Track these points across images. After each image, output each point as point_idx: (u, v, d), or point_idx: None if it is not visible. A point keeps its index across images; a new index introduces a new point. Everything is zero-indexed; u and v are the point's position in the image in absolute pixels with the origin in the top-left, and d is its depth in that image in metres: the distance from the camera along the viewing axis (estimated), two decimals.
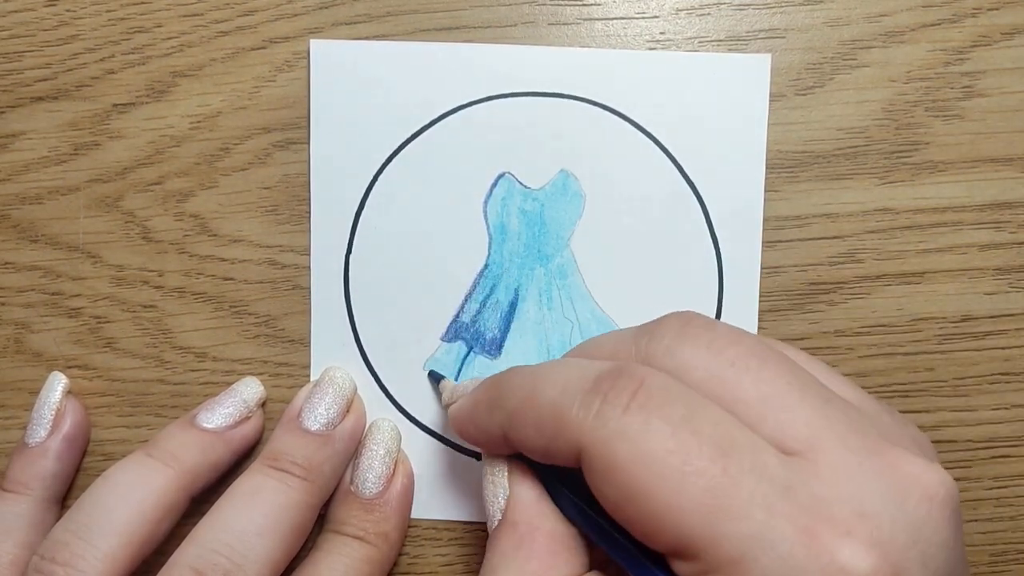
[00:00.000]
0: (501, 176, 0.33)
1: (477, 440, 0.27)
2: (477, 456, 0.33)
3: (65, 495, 0.33)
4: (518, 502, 0.26)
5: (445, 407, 0.30)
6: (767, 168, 0.32)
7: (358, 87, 0.33)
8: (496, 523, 0.26)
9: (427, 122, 0.33)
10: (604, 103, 0.32)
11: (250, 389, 0.33)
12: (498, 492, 0.26)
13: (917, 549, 0.20)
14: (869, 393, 0.25)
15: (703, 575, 0.21)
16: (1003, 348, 0.32)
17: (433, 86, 0.33)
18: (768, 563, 0.20)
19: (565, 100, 0.32)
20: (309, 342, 0.33)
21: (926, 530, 0.21)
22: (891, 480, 0.21)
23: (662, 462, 0.21)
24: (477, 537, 0.33)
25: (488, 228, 0.33)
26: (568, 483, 0.25)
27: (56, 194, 0.34)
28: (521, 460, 0.26)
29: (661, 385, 0.22)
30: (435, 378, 0.33)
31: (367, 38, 0.33)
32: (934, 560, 0.20)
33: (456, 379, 0.33)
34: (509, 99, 0.33)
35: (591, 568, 0.25)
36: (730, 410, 0.22)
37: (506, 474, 0.26)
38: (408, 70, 0.33)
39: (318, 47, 0.33)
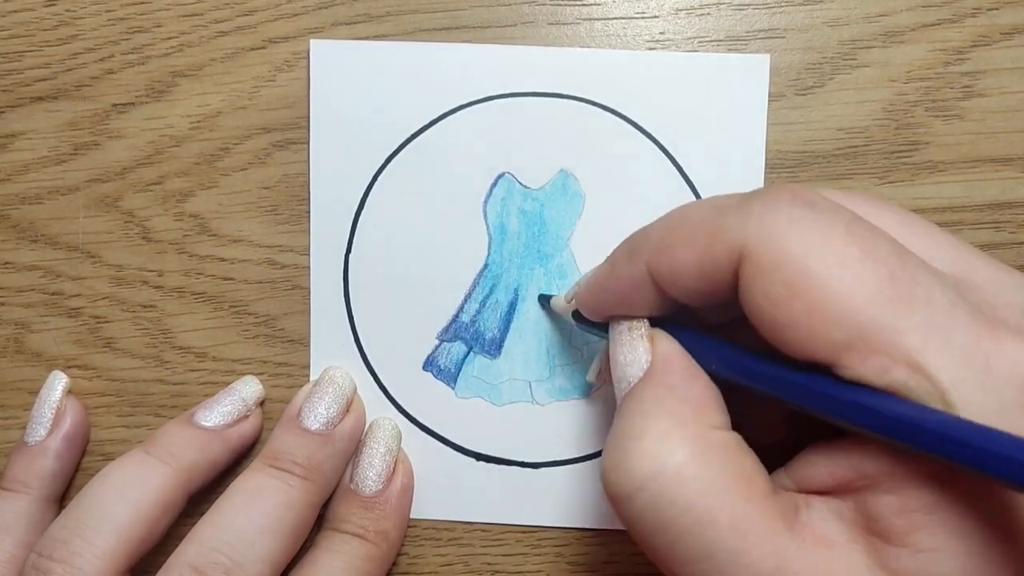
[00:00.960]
0: (501, 176, 0.33)
1: (616, 296, 0.25)
2: (477, 456, 0.33)
3: (64, 494, 0.33)
4: (667, 355, 0.24)
5: (567, 302, 0.29)
6: (767, 168, 0.32)
7: (358, 87, 0.33)
8: (634, 382, 0.24)
9: (427, 122, 0.33)
10: (604, 103, 0.32)
11: (249, 388, 0.33)
12: (638, 351, 0.24)
13: None
14: None
15: (878, 375, 0.20)
16: None
17: (433, 86, 0.33)
18: (951, 354, 0.19)
19: (565, 100, 0.32)
20: (309, 342, 0.33)
21: None
22: None
23: (840, 251, 0.20)
24: (477, 537, 0.33)
25: (488, 228, 0.33)
26: (705, 341, 0.24)
27: (56, 194, 0.34)
28: (658, 323, 0.25)
29: (823, 198, 0.21)
30: (545, 299, 0.32)
31: (367, 38, 0.33)
32: None
33: (455, 379, 0.33)
34: (509, 99, 0.33)
35: None
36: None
37: (645, 335, 0.25)
38: (408, 70, 0.33)
39: (318, 47, 0.33)
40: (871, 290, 0.19)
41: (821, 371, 0.20)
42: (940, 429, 0.18)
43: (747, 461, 0.22)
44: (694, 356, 0.24)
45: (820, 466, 0.22)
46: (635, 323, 0.25)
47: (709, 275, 0.22)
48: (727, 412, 0.23)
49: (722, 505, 0.21)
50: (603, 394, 0.33)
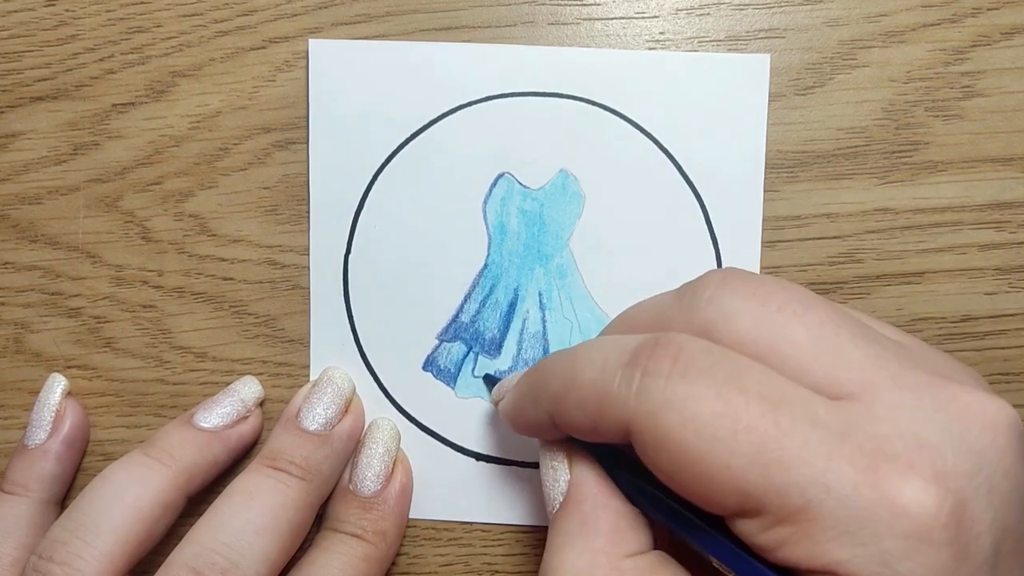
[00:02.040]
0: (500, 176, 0.33)
1: (528, 430, 0.27)
2: (476, 456, 0.33)
3: (65, 496, 0.33)
4: (581, 482, 0.25)
5: (495, 404, 0.30)
6: (767, 168, 0.32)
7: (357, 87, 0.33)
8: (557, 506, 0.25)
9: (426, 122, 0.33)
10: (604, 103, 0.32)
11: (248, 388, 0.33)
12: (558, 476, 0.26)
13: (981, 477, 0.20)
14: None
15: (769, 528, 0.20)
16: (1003, 348, 0.32)
17: (432, 86, 0.33)
18: (833, 506, 0.19)
19: (565, 100, 0.32)
20: (308, 342, 0.33)
21: (989, 457, 0.20)
22: (950, 413, 0.21)
23: (712, 425, 0.21)
24: (476, 538, 0.33)
25: (487, 228, 0.33)
26: (624, 462, 0.25)
27: (56, 194, 0.34)
28: (577, 444, 0.26)
29: (701, 349, 0.22)
30: (490, 382, 0.32)
31: (367, 38, 0.33)
32: (999, 488, 0.20)
33: (455, 379, 0.33)
34: (508, 99, 0.33)
35: (654, 548, 0.25)
36: (778, 356, 0.22)
37: (565, 458, 0.26)
38: (407, 70, 0.33)
39: (317, 47, 0.33)
40: (744, 460, 0.20)
41: (729, 526, 0.22)
42: None
43: None
44: (613, 472, 0.25)
45: None
46: (555, 451, 0.26)
47: (604, 436, 0.23)
48: (647, 530, 0.24)
49: None
50: None
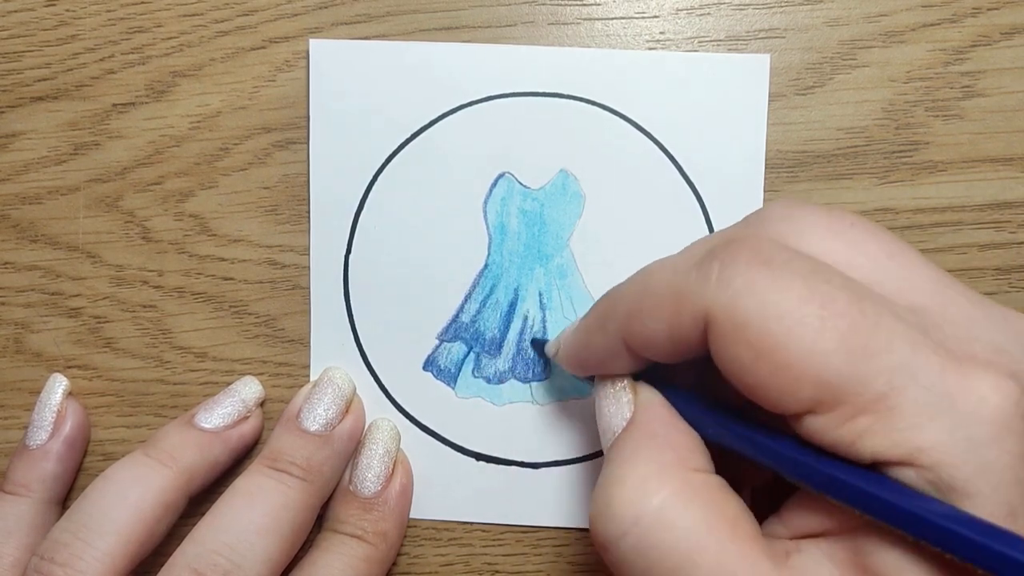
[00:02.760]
0: (501, 176, 0.33)
1: (593, 363, 0.27)
2: (476, 456, 0.33)
3: (66, 496, 0.33)
4: (648, 406, 0.25)
5: (553, 357, 0.30)
6: (767, 168, 0.32)
7: (357, 87, 0.33)
8: (619, 430, 0.25)
9: (427, 122, 0.33)
10: (604, 103, 0.32)
11: (249, 389, 0.33)
12: (621, 404, 0.25)
13: None
14: None
15: (846, 421, 0.20)
16: None
17: (432, 86, 0.33)
18: (916, 393, 0.19)
19: (565, 100, 0.32)
20: (309, 342, 0.33)
21: None
22: (1017, 329, 0.21)
23: (797, 309, 0.20)
24: (476, 538, 0.33)
25: (488, 228, 0.33)
26: (687, 396, 0.25)
27: (56, 194, 0.34)
28: (640, 377, 0.26)
29: (779, 247, 0.22)
30: (538, 345, 0.32)
31: (367, 38, 0.33)
32: None
33: (456, 379, 0.33)
34: (509, 99, 0.33)
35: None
36: (854, 265, 0.22)
37: (627, 388, 0.26)
38: (407, 70, 0.33)
39: (317, 47, 0.33)
40: (831, 345, 0.20)
41: (797, 430, 0.21)
42: (910, 509, 0.19)
43: (731, 503, 0.22)
44: (676, 405, 0.25)
45: (808, 512, 0.22)
46: (616, 381, 0.26)
47: (680, 341, 0.23)
48: (710, 458, 0.24)
49: (705, 547, 0.21)
50: None
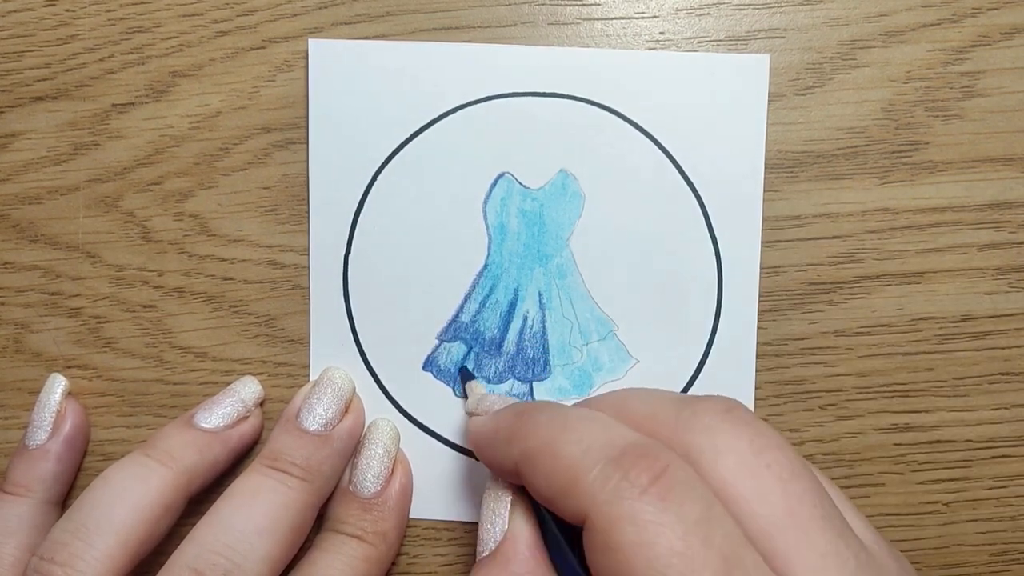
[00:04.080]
0: (500, 176, 0.33)
1: (488, 463, 0.27)
2: (476, 456, 0.33)
3: (66, 497, 0.33)
4: (516, 541, 0.25)
5: (468, 413, 0.30)
6: (767, 168, 0.32)
7: (357, 87, 0.33)
8: (487, 552, 0.26)
9: (426, 122, 0.33)
10: (604, 103, 0.32)
11: (248, 389, 0.33)
12: (496, 523, 0.26)
13: None
14: (871, 524, 0.25)
15: None
16: (1003, 348, 0.32)
17: (432, 86, 0.33)
18: None
19: (565, 100, 0.32)
20: (308, 342, 0.33)
21: None
22: None
23: (666, 562, 0.20)
24: (476, 537, 0.33)
25: (487, 228, 0.33)
26: (565, 533, 0.25)
27: (56, 194, 0.34)
28: (526, 496, 0.26)
29: (684, 479, 0.22)
30: (466, 376, 0.32)
31: (367, 38, 0.33)
32: None
33: (455, 380, 0.33)
34: (508, 99, 0.33)
35: None
36: (749, 510, 0.22)
37: (508, 507, 0.26)
38: (407, 70, 0.33)
39: (317, 47, 0.33)
40: None
41: None
42: None
43: None
44: (548, 542, 0.25)
45: None
46: (501, 495, 0.27)
47: (558, 511, 0.23)
48: None
49: None
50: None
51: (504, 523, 0.26)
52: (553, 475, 0.23)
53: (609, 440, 0.23)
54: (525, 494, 0.26)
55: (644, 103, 0.32)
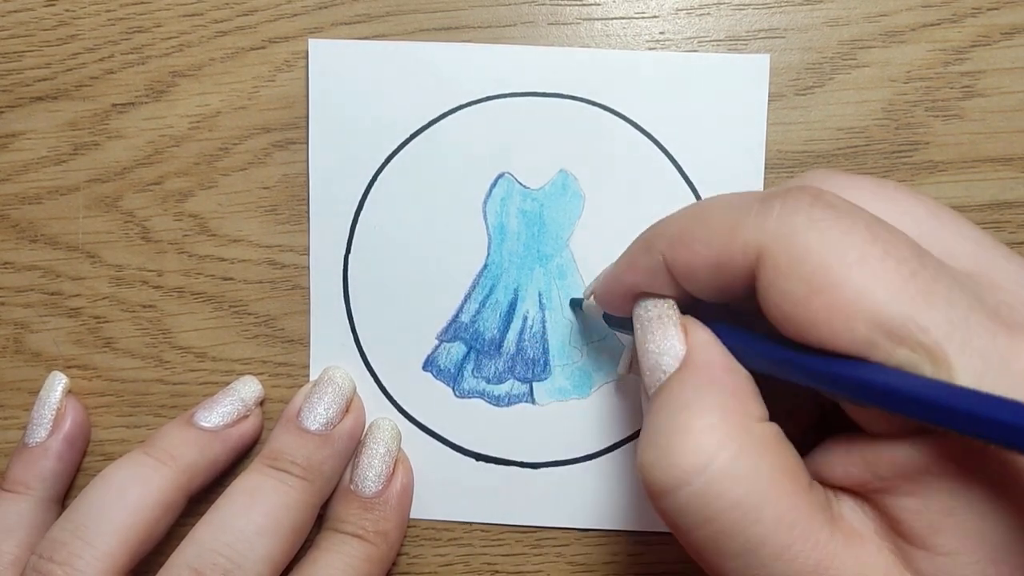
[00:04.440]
0: (500, 176, 0.33)
1: (631, 284, 0.25)
2: (476, 456, 0.33)
3: (65, 495, 0.33)
4: (705, 344, 0.23)
5: (587, 298, 0.29)
6: (767, 168, 0.32)
7: (357, 87, 0.33)
8: (671, 370, 0.23)
9: (426, 122, 0.33)
10: (604, 103, 0.32)
11: (248, 388, 0.33)
12: (670, 337, 0.24)
13: None
14: None
15: (904, 366, 0.20)
16: None
17: (432, 86, 0.33)
18: (970, 353, 0.19)
19: (565, 100, 0.32)
20: (308, 342, 0.33)
21: None
22: None
23: (860, 249, 0.20)
24: (476, 538, 0.33)
25: (487, 228, 0.33)
26: (730, 328, 0.24)
27: (56, 194, 0.34)
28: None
29: (842, 199, 0.21)
30: (576, 303, 0.32)
31: (367, 38, 0.33)
32: None
33: (455, 379, 0.33)
34: (508, 99, 0.33)
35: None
36: (901, 225, 0.21)
37: (676, 320, 0.24)
38: (407, 70, 0.33)
39: (317, 47, 0.33)
40: (893, 287, 0.19)
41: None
42: (966, 405, 0.18)
43: (789, 454, 0.22)
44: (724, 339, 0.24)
45: (837, 464, 0.22)
46: (664, 308, 0.24)
47: (725, 272, 0.22)
48: (764, 404, 0.23)
49: (768, 501, 0.21)
50: (603, 394, 0.33)
51: (680, 337, 0.24)
52: (711, 235, 0.22)
53: (749, 195, 0.22)
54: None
55: (644, 103, 0.32)
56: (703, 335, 0.24)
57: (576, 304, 0.32)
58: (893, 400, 0.19)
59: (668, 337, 0.24)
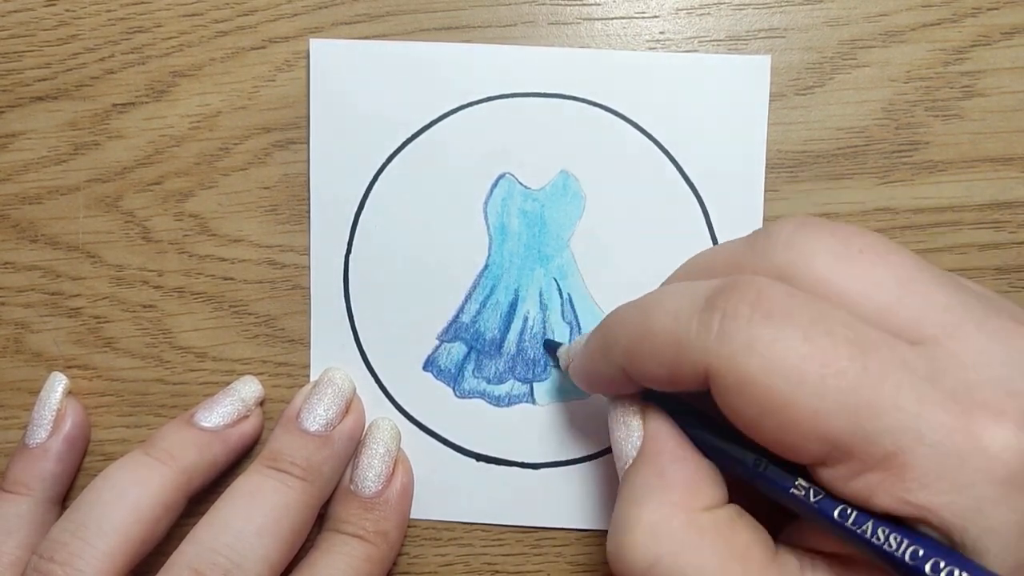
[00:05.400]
0: (501, 176, 0.33)
1: (602, 387, 0.27)
2: (476, 457, 0.33)
3: (66, 496, 0.33)
4: (656, 436, 0.25)
5: (565, 370, 0.30)
6: (767, 168, 0.32)
7: (358, 87, 0.33)
8: (631, 461, 0.25)
9: (427, 122, 0.33)
10: (605, 104, 0.32)
11: (248, 388, 0.33)
12: (631, 430, 0.25)
13: None
14: None
15: (856, 476, 0.20)
16: None
17: (433, 86, 0.33)
18: (924, 453, 0.19)
19: (566, 101, 0.32)
20: (309, 342, 0.33)
21: None
22: None
23: (798, 368, 0.20)
24: (477, 538, 0.33)
25: (488, 228, 0.33)
26: (697, 416, 0.25)
27: (56, 194, 0.34)
28: (650, 399, 0.26)
29: (782, 292, 0.21)
30: (551, 347, 0.32)
31: (367, 38, 0.33)
32: None
33: (456, 380, 0.33)
34: (510, 99, 0.33)
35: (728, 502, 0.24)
36: (861, 299, 0.21)
37: (637, 412, 0.26)
38: (408, 70, 0.33)
39: (318, 47, 0.33)
40: (834, 405, 0.20)
41: (812, 476, 0.21)
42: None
43: (741, 536, 0.23)
44: (686, 427, 0.25)
45: (812, 536, 0.23)
46: (626, 405, 0.26)
47: (680, 383, 0.23)
48: (722, 484, 0.24)
49: None
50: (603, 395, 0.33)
51: (640, 429, 0.25)
52: (657, 354, 0.23)
53: (693, 296, 0.22)
54: (650, 398, 0.26)
55: (645, 104, 0.32)
56: (656, 425, 0.25)
57: (549, 348, 0.33)
58: (833, 529, 0.21)
59: (628, 431, 0.26)
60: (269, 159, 0.33)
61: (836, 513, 0.21)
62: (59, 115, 0.34)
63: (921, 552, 0.19)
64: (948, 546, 0.19)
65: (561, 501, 0.33)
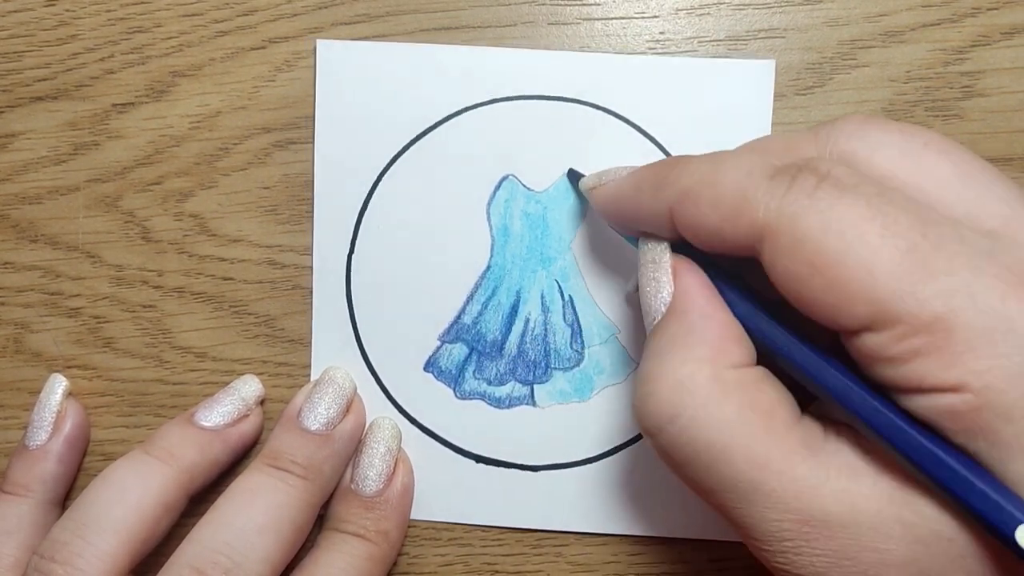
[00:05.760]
0: (505, 178, 0.33)
1: (627, 217, 0.27)
2: (477, 458, 0.33)
3: (66, 497, 0.33)
4: (687, 291, 0.25)
5: (586, 192, 0.29)
6: None
7: (363, 88, 0.33)
8: (659, 316, 0.25)
9: (431, 124, 0.33)
10: (609, 107, 0.32)
11: (249, 387, 0.33)
12: (661, 285, 0.25)
13: None
14: None
15: (900, 341, 0.20)
16: None
17: (438, 88, 0.33)
18: (973, 316, 0.20)
19: (570, 104, 0.32)
20: (309, 342, 0.33)
21: None
22: None
23: (859, 228, 0.21)
24: (477, 538, 0.33)
25: (491, 230, 0.33)
26: (730, 278, 0.25)
27: (56, 194, 0.34)
28: (682, 254, 0.26)
29: (848, 172, 0.22)
30: (575, 176, 0.32)
31: (367, 38, 0.33)
32: None
33: (456, 381, 0.33)
34: (514, 102, 0.32)
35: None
36: (923, 190, 0.22)
37: (668, 268, 0.25)
38: (414, 72, 0.33)
39: (325, 47, 0.33)
40: (890, 265, 0.20)
41: (848, 346, 0.22)
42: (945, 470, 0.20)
43: (766, 395, 0.23)
44: (721, 288, 0.25)
45: (836, 410, 0.23)
46: (658, 251, 0.26)
47: (727, 237, 0.23)
48: (751, 345, 0.24)
49: (738, 442, 0.22)
50: (604, 397, 0.33)
51: (670, 285, 0.25)
52: (719, 201, 0.23)
53: (767, 161, 0.23)
54: (681, 254, 0.26)
55: (649, 107, 0.32)
56: (688, 280, 0.25)
57: (573, 178, 0.32)
58: (861, 418, 0.21)
59: (659, 282, 0.25)
60: (269, 159, 0.33)
61: (865, 395, 0.21)
62: (59, 115, 0.34)
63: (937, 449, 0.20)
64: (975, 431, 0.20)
65: (561, 504, 0.33)
